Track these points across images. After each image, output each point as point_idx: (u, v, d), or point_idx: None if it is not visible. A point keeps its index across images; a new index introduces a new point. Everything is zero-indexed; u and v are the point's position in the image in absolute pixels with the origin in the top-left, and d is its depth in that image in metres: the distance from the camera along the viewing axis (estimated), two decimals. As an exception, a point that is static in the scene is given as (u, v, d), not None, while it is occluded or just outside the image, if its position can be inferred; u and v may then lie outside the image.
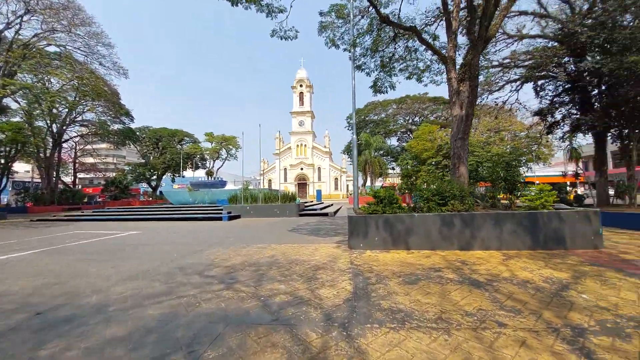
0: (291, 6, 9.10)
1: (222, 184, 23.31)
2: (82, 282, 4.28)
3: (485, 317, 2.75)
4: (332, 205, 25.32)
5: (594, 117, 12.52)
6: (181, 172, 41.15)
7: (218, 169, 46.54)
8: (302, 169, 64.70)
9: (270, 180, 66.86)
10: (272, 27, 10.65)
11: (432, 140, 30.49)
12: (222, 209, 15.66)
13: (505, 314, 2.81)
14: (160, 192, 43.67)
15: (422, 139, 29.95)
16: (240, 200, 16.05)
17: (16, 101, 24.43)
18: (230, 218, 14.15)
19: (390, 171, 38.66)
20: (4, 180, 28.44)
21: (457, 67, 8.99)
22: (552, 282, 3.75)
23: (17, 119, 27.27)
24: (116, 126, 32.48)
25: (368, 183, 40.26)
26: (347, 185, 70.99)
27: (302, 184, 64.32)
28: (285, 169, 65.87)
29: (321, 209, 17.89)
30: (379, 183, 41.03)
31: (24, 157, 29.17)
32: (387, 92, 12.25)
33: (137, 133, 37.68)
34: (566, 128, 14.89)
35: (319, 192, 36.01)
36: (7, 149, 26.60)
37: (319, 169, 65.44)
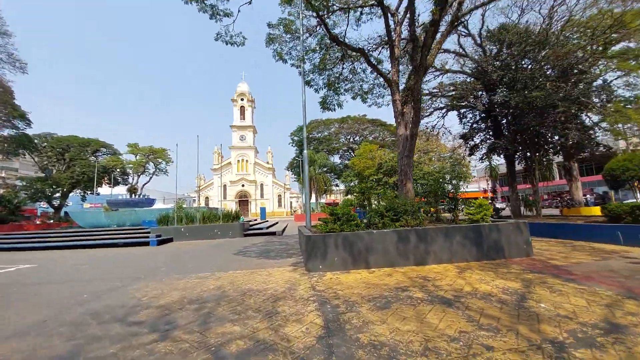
0: (239, 11, 8.62)
1: (150, 202, 20.34)
2: None
3: (470, 341, 2.57)
4: (277, 223, 24.38)
5: (506, 141, 14.82)
6: (95, 189, 34.98)
7: (144, 186, 41.03)
8: (243, 185, 61.82)
9: (207, 198, 61.96)
10: (216, 30, 9.96)
11: (373, 158, 32.43)
12: (149, 232, 13.49)
13: (487, 335, 2.69)
14: (66, 212, 36.20)
15: (364, 157, 31.61)
16: (172, 221, 14.09)
17: None
18: (161, 242, 12.23)
19: (334, 188, 39.53)
20: None
21: (400, 90, 9.63)
22: (510, 293, 3.89)
23: None
24: (6, 131, 26.16)
25: (313, 199, 40.40)
26: (291, 202, 70.36)
27: (243, 201, 61.27)
28: (225, 186, 62.01)
29: (267, 227, 16.91)
30: (323, 200, 41.56)
31: None
32: (334, 110, 12.49)
33: (36, 141, 31.07)
34: (484, 150, 17.31)
35: (263, 209, 34.51)
36: None
37: (262, 185, 63.50)
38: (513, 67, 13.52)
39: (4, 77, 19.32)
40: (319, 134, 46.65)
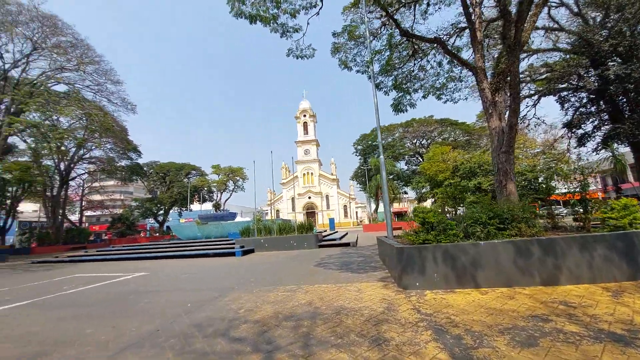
0: (308, 23, 8.75)
1: (232, 216, 22.32)
2: (71, 354, 3.19)
3: None
4: (347, 233, 23.96)
5: (632, 125, 11.64)
6: (188, 206, 40.42)
7: (225, 202, 45.82)
8: (309, 197, 63.78)
9: (278, 211, 65.68)
10: (287, 46, 10.34)
11: (446, 160, 29.71)
12: (234, 243, 14.55)
13: None
14: (168, 227, 42.67)
15: (435, 161, 29.16)
16: (252, 232, 14.95)
17: (24, 140, 24.59)
18: (244, 253, 13.00)
19: (403, 195, 37.38)
20: (10, 220, 27.88)
21: (489, 77, 8.34)
22: None
23: (24, 158, 27.39)
24: (123, 162, 32.42)
25: (380, 208, 38.92)
26: (357, 212, 69.52)
27: (310, 212, 63.01)
28: (292, 199, 64.95)
29: (340, 238, 16.63)
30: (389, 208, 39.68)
31: (30, 196, 28.86)
32: (406, 111, 11.64)
33: (145, 168, 37.58)
34: (598, 139, 13.97)
35: (331, 220, 34.63)
36: (14, 189, 26.36)
37: (327, 196, 64.47)
38: (628, 34, 10.65)
39: (120, 118, 24.07)
40: (383, 141, 45.16)
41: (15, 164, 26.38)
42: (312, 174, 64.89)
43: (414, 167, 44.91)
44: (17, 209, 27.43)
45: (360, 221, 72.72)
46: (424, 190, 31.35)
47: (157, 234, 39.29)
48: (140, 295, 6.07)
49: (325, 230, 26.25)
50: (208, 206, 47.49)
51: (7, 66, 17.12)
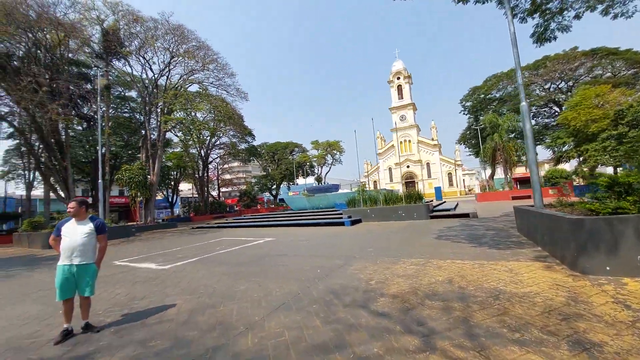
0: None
1: (336, 188, 23.19)
2: (234, 308, 3.67)
3: None
4: (457, 204, 21.40)
5: None
6: (294, 181, 44.54)
7: (326, 175, 48.28)
8: (408, 166, 60.16)
9: (375, 182, 65.01)
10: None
11: (602, 105, 22.19)
12: (341, 214, 15.00)
13: None
14: (280, 199, 48.64)
15: (584, 107, 22.06)
16: (358, 203, 15.01)
17: (176, 135, 31.66)
18: (352, 223, 13.20)
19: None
20: (175, 197, 37.25)
21: None
22: None
23: (177, 149, 35.46)
24: (243, 146, 37.87)
25: (499, 174, 33.06)
26: (463, 180, 61.75)
27: (410, 182, 59.70)
28: (389, 169, 62.83)
29: (453, 208, 14.90)
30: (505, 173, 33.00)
31: (185, 178, 37.59)
32: (555, 40, 8.65)
33: (258, 149, 42.92)
34: None
35: (438, 189, 31.73)
36: (175, 173, 34.75)
37: (428, 164, 59.33)
38: None
39: (236, 107, 27.70)
40: (499, 93, 37.00)
41: (172, 154, 34.69)
42: (409, 141, 60.52)
43: (545, 121, 35.46)
44: (179, 187, 36.34)
45: (469, 190, 64.26)
46: (565, 148, 24.49)
47: (273, 206, 45.40)
48: (273, 259, 6.79)
49: (432, 201, 24.21)
50: (310, 180, 51.25)
51: (155, 76, 21.92)
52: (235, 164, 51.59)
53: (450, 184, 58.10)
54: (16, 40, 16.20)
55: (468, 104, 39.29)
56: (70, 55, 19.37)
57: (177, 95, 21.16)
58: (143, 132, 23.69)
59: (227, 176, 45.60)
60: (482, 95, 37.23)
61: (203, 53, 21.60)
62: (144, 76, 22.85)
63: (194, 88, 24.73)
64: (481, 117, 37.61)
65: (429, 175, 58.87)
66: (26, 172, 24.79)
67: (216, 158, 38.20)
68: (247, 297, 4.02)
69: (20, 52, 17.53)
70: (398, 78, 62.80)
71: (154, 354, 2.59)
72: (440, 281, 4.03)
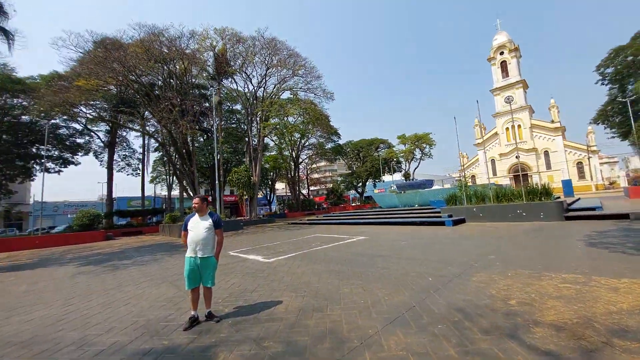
0: None
1: (430, 183, 21.15)
2: (341, 314, 3.38)
3: None
4: (599, 202, 16.36)
5: None
6: (380, 177, 43.18)
7: (414, 170, 45.04)
8: (518, 156, 50.11)
9: (474, 176, 57.09)
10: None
11: None
12: (439, 212, 13.42)
13: None
14: (366, 197, 48.06)
15: None
16: (461, 200, 13.11)
17: (271, 140, 34.94)
18: (455, 223, 11.57)
19: None
20: (272, 195, 41.23)
21: None
22: None
23: (273, 152, 39.09)
24: (329, 145, 38.91)
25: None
26: (600, 171, 47.65)
27: (519, 175, 49.88)
28: (492, 160, 54.02)
29: (599, 207, 11.33)
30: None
31: (279, 178, 41.18)
32: None
33: (343, 148, 43.36)
34: None
35: (567, 183, 25.34)
36: (272, 173, 38.42)
37: (546, 153, 48.37)
38: None
39: (323, 107, 28.51)
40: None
41: (269, 157, 38.52)
42: (519, 126, 50.59)
43: None
44: (275, 187, 40.08)
45: (611, 183, 49.13)
46: None
47: (359, 203, 45.24)
48: (372, 259, 6.34)
49: (558, 197, 19.36)
50: (397, 177, 48.73)
51: (255, 88, 24.61)
52: (322, 163, 53.73)
53: (581, 177, 45.86)
54: (156, 72, 20.71)
55: (609, 70, 29.78)
56: (193, 80, 23.64)
57: (272, 103, 23.18)
58: (246, 139, 26.99)
59: (315, 175, 47.86)
60: (631, 58, 27.56)
61: (293, 60, 23.04)
62: (246, 90, 25.99)
63: (286, 95, 26.78)
64: (629, 87, 28.06)
65: (548, 167, 48.05)
66: (167, 177, 31.70)
67: (305, 159, 40.48)
68: (353, 303, 3.69)
69: (159, 82, 22.41)
70: (501, 53, 53.39)
71: (269, 357, 2.49)
72: (626, 310, 2.79)
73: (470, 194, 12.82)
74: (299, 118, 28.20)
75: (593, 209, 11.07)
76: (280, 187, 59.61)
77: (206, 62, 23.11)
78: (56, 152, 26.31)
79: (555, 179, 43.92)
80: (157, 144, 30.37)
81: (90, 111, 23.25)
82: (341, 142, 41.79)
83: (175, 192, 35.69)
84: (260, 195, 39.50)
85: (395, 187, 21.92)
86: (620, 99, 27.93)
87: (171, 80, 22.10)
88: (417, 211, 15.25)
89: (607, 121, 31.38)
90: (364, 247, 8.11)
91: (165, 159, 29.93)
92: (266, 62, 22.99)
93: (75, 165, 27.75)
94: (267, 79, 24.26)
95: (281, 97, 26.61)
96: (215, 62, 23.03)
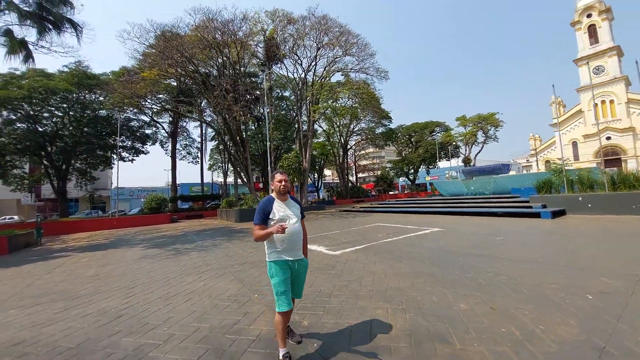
0: None
1: (507, 168, 18.25)
2: (484, 351, 2.22)
3: None
4: None
5: None
6: (436, 164, 39.73)
7: (476, 155, 40.36)
8: (609, 137, 41.91)
9: (548, 162, 49.39)
10: None
11: None
12: (527, 201, 11.16)
13: None
14: (417, 184, 44.96)
15: None
16: (558, 187, 10.66)
17: (320, 126, 34.07)
18: (553, 215, 9.36)
19: None
20: (320, 182, 40.82)
21: None
22: None
23: (321, 139, 38.28)
24: (379, 130, 36.72)
25: None
26: None
27: (611, 160, 41.65)
28: (574, 143, 45.96)
29: None
30: None
31: (328, 165, 40.47)
32: None
33: (395, 133, 40.70)
34: None
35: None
36: (319, 160, 37.83)
37: (647, 132, 39.33)
38: None
39: (375, 88, 26.47)
40: None
41: (317, 143, 37.86)
42: (611, 101, 42.02)
43: None
44: (323, 173, 39.54)
45: None
46: None
47: (409, 191, 42.49)
48: (468, 259, 4.99)
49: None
50: (454, 163, 44.44)
51: (305, 72, 23.79)
52: (370, 149, 51.58)
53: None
54: (211, 62, 21.01)
55: None
56: (244, 69, 23.64)
57: (322, 86, 22.12)
58: (296, 125, 26.53)
59: (363, 162, 46.07)
60: None
61: (345, 38, 21.47)
62: (295, 75, 25.32)
63: (335, 79, 25.46)
64: None
65: (651, 149, 39.18)
66: (222, 164, 33.13)
67: (354, 145, 38.96)
68: (491, 331, 2.50)
69: (214, 71, 22.82)
70: (589, 15, 44.28)
71: None
72: None
73: (574, 179, 10.29)
74: (349, 101, 26.74)
75: None
76: (327, 174, 59.11)
77: (257, 47, 22.81)
78: (129, 143, 29.04)
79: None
80: (213, 133, 31.73)
81: (155, 104, 24.87)
82: (392, 126, 39.18)
83: (230, 179, 37.36)
84: (308, 182, 39.38)
85: (453, 173, 19.43)
86: None
87: (225, 70, 22.37)
88: (494, 200, 13.02)
89: None
90: (446, 242, 6.72)
91: (220, 147, 31.16)
92: (316, 42, 21.82)
93: (145, 154, 30.41)
94: (317, 61, 23.15)
95: (331, 79, 25.34)
96: (265, 46, 22.58)
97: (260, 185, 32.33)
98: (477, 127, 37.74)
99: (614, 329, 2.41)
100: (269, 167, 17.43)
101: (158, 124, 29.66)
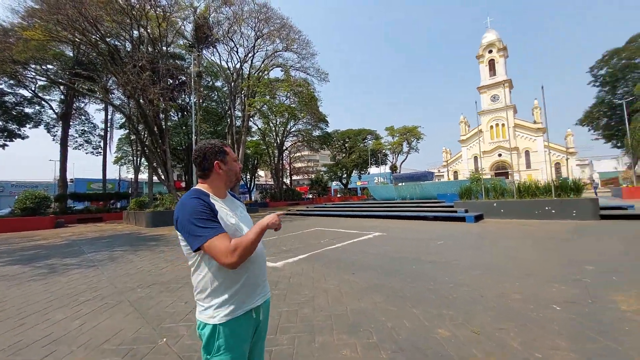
0: None
1: (431, 176, 19.97)
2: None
3: None
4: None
5: None
6: (368, 169, 42.00)
7: (401, 164, 44.28)
8: (500, 155, 51.34)
9: (456, 172, 57.76)
10: None
11: None
12: (451, 206, 12.07)
13: None
14: (350, 189, 46.82)
15: None
16: (477, 194, 11.82)
17: (255, 124, 32.17)
18: (476, 219, 10.22)
19: None
20: (252, 183, 38.70)
21: None
22: None
23: (255, 137, 36.32)
24: (316, 133, 36.81)
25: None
26: (573, 172, 49.92)
27: (501, 174, 51.03)
28: (475, 158, 54.76)
29: (631, 207, 10.49)
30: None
31: (261, 165, 38.62)
32: None
33: (331, 137, 41.49)
34: None
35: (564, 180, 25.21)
36: (252, 160, 35.80)
37: (527, 152, 49.69)
38: None
39: (315, 88, 26.15)
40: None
41: (250, 142, 35.70)
42: (503, 125, 51.45)
43: None
44: (256, 174, 37.51)
45: (585, 184, 51.81)
46: None
47: (340, 195, 43.85)
48: (422, 266, 4.62)
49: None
50: (384, 169, 47.87)
51: (240, 62, 21.81)
52: (305, 152, 51.68)
53: (558, 177, 47.71)
54: (125, 34, 17.40)
55: (602, 72, 30.20)
56: (168, 49, 20.38)
57: (260, 79, 20.67)
58: (228, 119, 24.23)
59: (298, 164, 45.69)
60: (624, 60, 27.98)
61: (286, 32, 20.47)
62: (230, 65, 23.08)
63: (276, 74, 24.21)
64: (620, 90, 28.62)
65: (528, 166, 49.45)
66: (134, 157, 28.11)
67: (290, 146, 38.16)
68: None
69: (128, 45, 19.02)
70: (490, 51, 53.65)
71: None
72: None
73: (488, 187, 11.55)
74: (287, 100, 25.84)
75: (624, 208, 10.19)
76: (261, 175, 56.81)
77: (185, 25, 20.01)
78: (0, 123, 22.12)
79: (533, 177, 45.23)
80: (123, 119, 26.70)
81: (41, 75, 19.38)
82: (328, 130, 39.85)
83: (144, 176, 32.08)
84: (240, 183, 36.79)
85: (382, 179, 20.51)
86: (610, 100, 28.37)
87: (142, 47, 18.87)
88: (424, 205, 13.86)
89: (593, 123, 32.09)
90: (393, 248, 6.39)
91: (132, 136, 26.40)
92: (255, 31, 20.28)
93: (23, 138, 23.65)
94: (255, 52, 21.57)
95: (270, 74, 24.04)
96: (195, 25, 19.97)
97: (182, 185, 28.58)
98: (403, 138, 41.39)
99: (605, 349, 2.11)
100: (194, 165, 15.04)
101: (44, 102, 23.38)
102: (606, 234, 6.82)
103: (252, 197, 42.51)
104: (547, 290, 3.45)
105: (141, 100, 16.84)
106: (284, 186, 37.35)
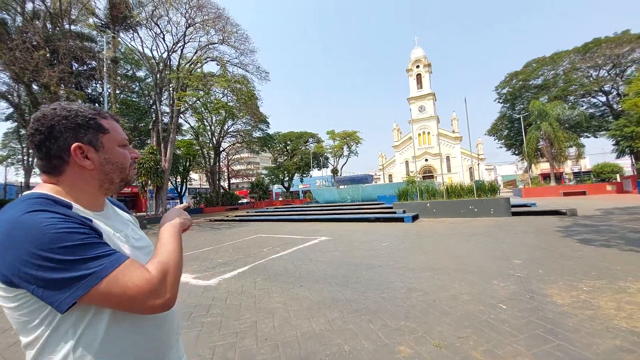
0: None
1: (371, 178, 20.77)
2: None
3: None
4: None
5: None
6: (310, 173, 42.15)
7: (342, 167, 45.73)
8: (426, 160, 57.29)
9: (390, 176, 62.37)
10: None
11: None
12: (391, 207, 12.61)
13: None
14: (292, 192, 46.34)
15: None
16: (413, 195, 12.58)
17: (187, 122, 29.25)
18: (413, 219, 10.80)
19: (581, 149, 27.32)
20: (184, 187, 35.15)
21: None
22: None
23: (187, 137, 33.12)
24: (256, 134, 35.37)
25: (538, 169, 30.25)
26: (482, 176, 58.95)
27: (428, 176, 57.00)
28: (406, 162, 60.08)
29: (534, 204, 12.40)
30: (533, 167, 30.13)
31: (195, 167, 35.36)
32: None
33: (272, 138, 40.43)
34: None
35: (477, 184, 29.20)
36: (184, 161, 32.53)
37: (448, 158, 56.56)
38: None
39: (255, 86, 24.99)
40: (538, 80, 33.86)
41: (182, 141, 32.36)
42: (428, 133, 57.62)
43: (590, 111, 32.20)
44: (189, 177, 34.11)
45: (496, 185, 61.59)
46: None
47: (282, 199, 43.10)
48: (374, 272, 4.42)
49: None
50: (326, 172, 48.76)
51: (168, 51, 19.37)
52: (245, 154, 49.42)
53: (472, 180, 55.49)
54: (15, 5, 13.86)
55: (504, 91, 36.14)
56: (72, 26, 16.93)
57: (192, 71, 18.74)
58: (154, 115, 21.36)
59: (237, 167, 43.36)
60: (522, 82, 34.04)
61: (222, 24, 18.93)
62: (155, 54, 20.35)
63: (211, 68, 22.24)
64: (518, 106, 34.65)
65: (449, 170, 56.17)
66: (25, 157, 22.69)
67: (228, 147, 35.85)
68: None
69: (17, 23, 15.20)
70: (417, 66, 59.66)
71: None
72: None
73: (422, 189, 12.40)
74: (224, 98, 24.08)
75: (528, 205, 12.00)
76: (194, 178, 52.25)
77: (94, 1, 16.94)
78: None
79: (453, 180, 51.64)
80: (9, 109, 21.37)
81: None
82: (270, 131, 38.77)
83: (37, 179, 26.20)
84: (169, 187, 32.97)
85: (324, 182, 20.74)
86: (510, 115, 34.07)
87: (37, 22, 15.27)
88: (364, 206, 14.21)
89: (497, 134, 38.13)
90: (341, 253, 6.13)
91: (22, 131, 21.29)
92: (187, 18, 18.30)
93: None
94: (186, 41, 19.47)
95: (204, 68, 22.01)
96: (110, 3, 17.10)
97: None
98: (344, 142, 42.82)
99: (559, 349, 2.09)
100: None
101: None
102: (520, 229, 7.77)
103: (184, 202, 38.55)
104: (490, 287, 3.52)
105: (34, 86, 13.57)
106: (222, 190, 34.82)
